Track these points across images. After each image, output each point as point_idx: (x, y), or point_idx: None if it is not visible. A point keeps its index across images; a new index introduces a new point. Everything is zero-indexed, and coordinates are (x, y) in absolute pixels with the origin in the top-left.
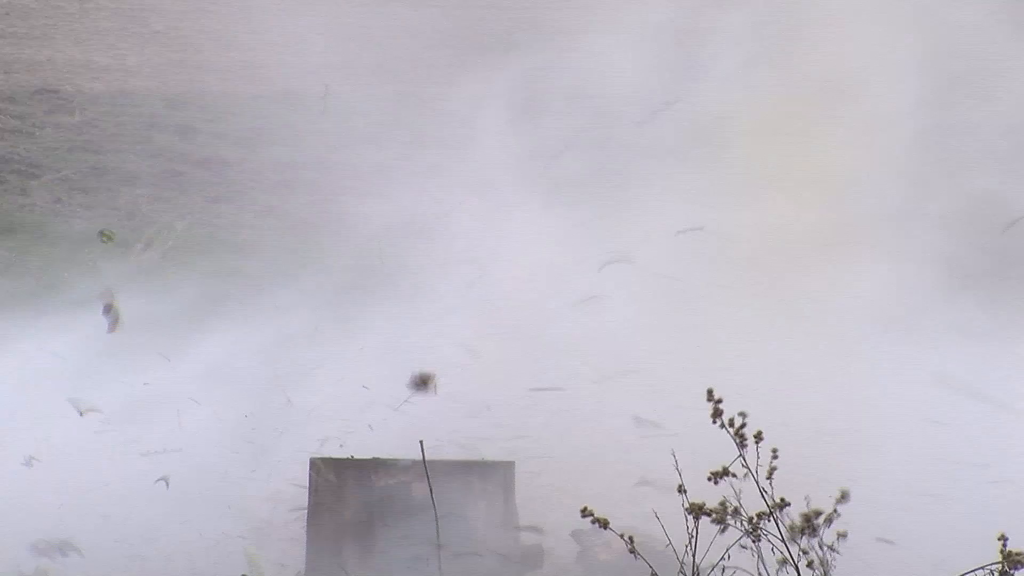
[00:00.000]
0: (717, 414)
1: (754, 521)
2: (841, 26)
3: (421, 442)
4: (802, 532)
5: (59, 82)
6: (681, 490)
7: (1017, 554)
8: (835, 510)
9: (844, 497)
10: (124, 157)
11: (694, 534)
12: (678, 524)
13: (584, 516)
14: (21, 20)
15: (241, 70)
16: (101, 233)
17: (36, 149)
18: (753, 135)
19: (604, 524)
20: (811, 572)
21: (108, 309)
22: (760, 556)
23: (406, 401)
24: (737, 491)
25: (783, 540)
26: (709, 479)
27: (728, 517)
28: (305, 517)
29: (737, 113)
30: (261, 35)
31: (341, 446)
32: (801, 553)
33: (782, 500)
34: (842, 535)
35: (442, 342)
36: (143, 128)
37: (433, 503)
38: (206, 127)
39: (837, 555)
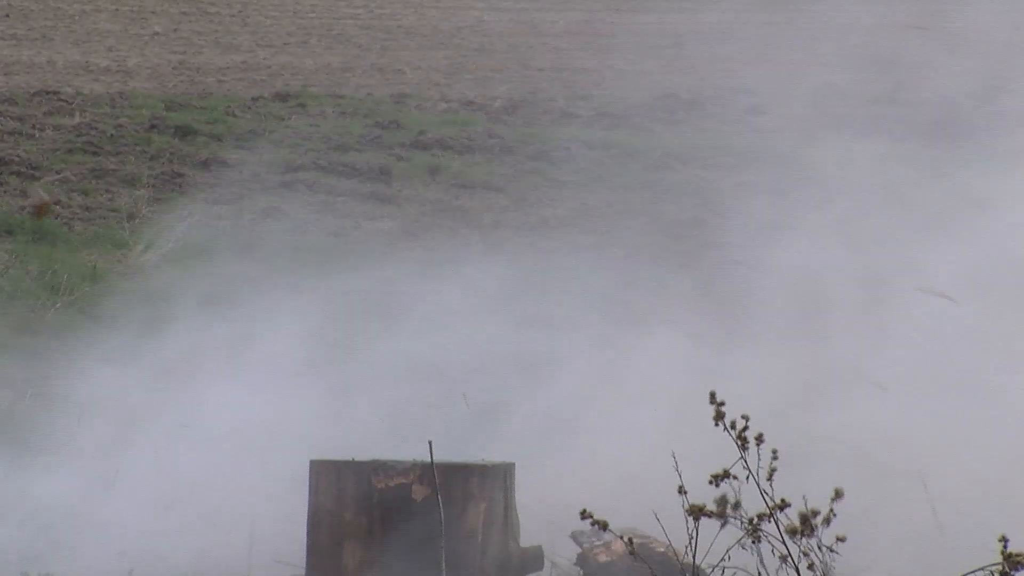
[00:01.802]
0: (720, 417)
1: (754, 522)
2: None
3: (430, 443)
4: (800, 532)
5: (59, 84)
6: (681, 491)
7: (1018, 555)
8: (831, 511)
9: (838, 495)
10: (124, 159)
11: (694, 535)
12: (678, 525)
13: (583, 518)
14: (21, 22)
15: (241, 72)
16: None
17: (36, 150)
18: None
19: (604, 526)
20: (811, 574)
21: None
22: (760, 557)
23: None
24: (737, 491)
25: (783, 541)
26: (710, 482)
27: (729, 512)
28: (305, 519)
29: None
30: (261, 36)
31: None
32: (802, 555)
33: (783, 501)
34: (841, 539)
35: None
36: (143, 130)
37: (439, 504)
38: (206, 128)
39: (837, 556)
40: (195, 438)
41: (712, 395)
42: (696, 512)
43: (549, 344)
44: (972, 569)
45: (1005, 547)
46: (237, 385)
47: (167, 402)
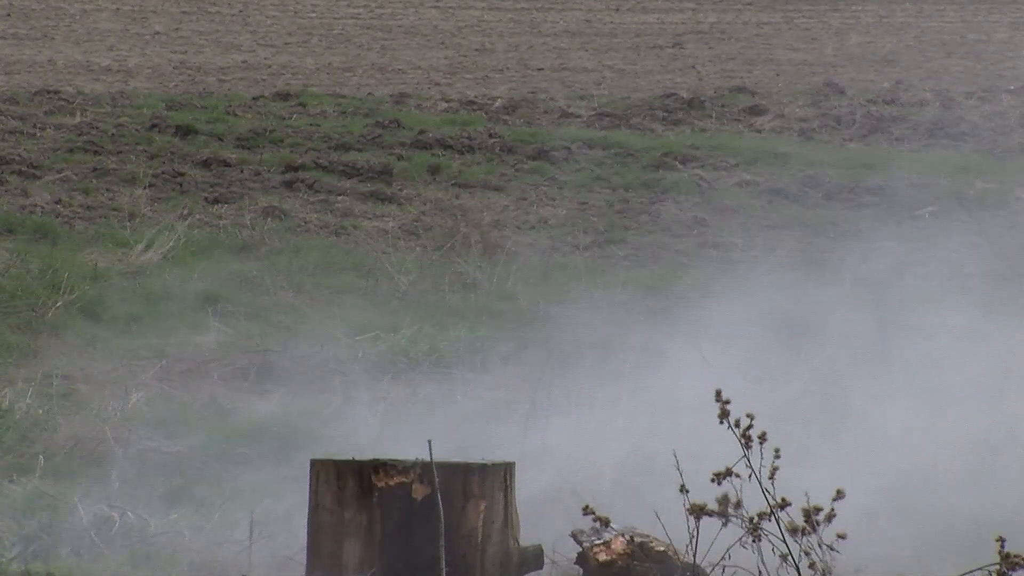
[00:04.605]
0: (724, 415)
1: (755, 521)
2: None
3: (429, 442)
4: (802, 531)
5: (60, 83)
6: (683, 490)
7: (1015, 556)
8: (832, 509)
9: (840, 495)
10: (125, 158)
11: (695, 534)
12: (679, 524)
13: (585, 514)
14: (22, 21)
15: (242, 71)
16: None
17: (37, 150)
18: None
19: (605, 522)
20: (812, 573)
21: None
22: (761, 555)
23: None
24: (739, 490)
25: (784, 540)
26: (712, 480)
27: (730, 511)
28: (307, 518)
29: None
30: (261, 36)
31: None
32: (803, 554)
33: (783, 500)
34: (841, 536)
35: None
36: (144, 129)
37: (438, 503)
38: (206, 128)
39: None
40: None
41: (717, 393)
42: (697, 511)
43: None
44: (971, 569)
45: (1003, 547)
46: None
47: None
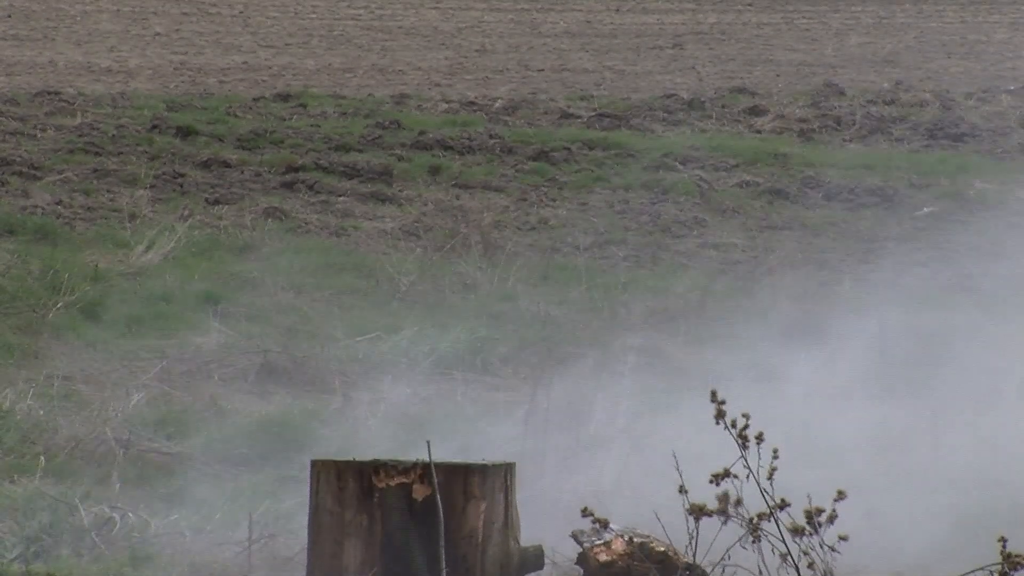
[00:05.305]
0: (720, 415)
1: (755, 521)
2: None
3: (428, 443)
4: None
5: (60, 84)
6: (682, 490)
7: (1017, 555)
8: (834, 511)
9: (841, 496)
10: (125, 159)
11: (695, 534)
12: (679, 524)
13: (584, 516)
14: (23, 22)
15: (242, 72)
16: None
17: (37, 151)
18: None
19: (604, 524)
20: (811, 573)
21: None
22: (761, 555)
23: None
24: (738, 490)
25: (783, 540)
26: (711, 480)
27: (730, 509)
28: (307, 519)
29: None
30: (262, 37)
31: None
32: (802, 554)
33: (783, 500)
34: (843, 537)
35: None
36: (144, 130)
37: (439, 504)
38: (207, 129)
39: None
40: None
41: (713, 393)
42: (697, 512)
43: None
44: (972, 569)
45: (1004, 547)
46: None
47: None
